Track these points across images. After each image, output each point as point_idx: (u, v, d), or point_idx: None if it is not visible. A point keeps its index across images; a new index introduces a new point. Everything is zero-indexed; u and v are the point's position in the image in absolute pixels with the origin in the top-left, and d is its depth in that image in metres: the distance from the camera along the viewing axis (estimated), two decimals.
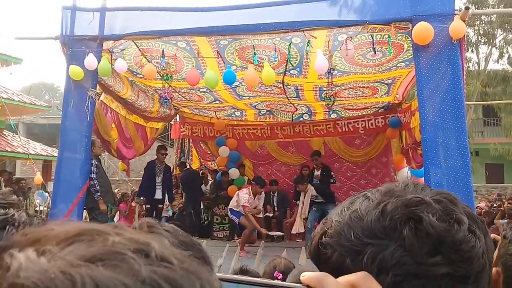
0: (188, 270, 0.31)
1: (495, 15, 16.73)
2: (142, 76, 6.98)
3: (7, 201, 0.64)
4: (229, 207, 8.19)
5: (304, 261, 4.40)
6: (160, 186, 8.46)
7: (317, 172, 8.68)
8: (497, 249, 1.28)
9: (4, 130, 13.73)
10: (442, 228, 0.55)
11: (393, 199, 0.59)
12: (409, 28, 4.96)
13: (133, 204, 10.55)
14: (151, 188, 8.39)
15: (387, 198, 0.59)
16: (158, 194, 8.47)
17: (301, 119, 9.77)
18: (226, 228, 9.54)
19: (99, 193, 6.58)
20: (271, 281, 0.47)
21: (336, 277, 0.49)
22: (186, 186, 9.54)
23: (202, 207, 9.87)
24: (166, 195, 8.70)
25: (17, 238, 0.31)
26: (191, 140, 10.77)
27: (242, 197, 7.96)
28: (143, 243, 0.31)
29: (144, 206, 8.90)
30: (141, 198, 8.71)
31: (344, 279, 0.50)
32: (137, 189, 10.91)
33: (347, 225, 0.59)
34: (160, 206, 8.66)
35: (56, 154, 12.66)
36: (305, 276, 0.48)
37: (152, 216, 8.75)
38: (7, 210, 0.62)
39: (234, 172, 9.64)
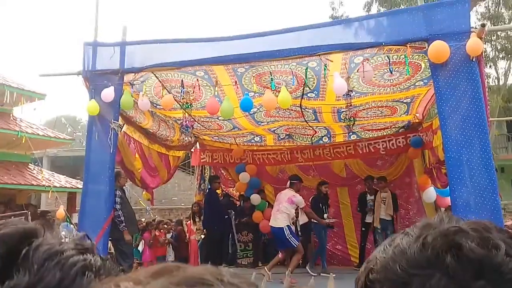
0: None
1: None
2: (162, 107, 7.12)
3: (83, 246, 0.66)
4: (285, 225, 7.33)
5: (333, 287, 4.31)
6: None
7: (370, 197, 8.81)
8: None
9: (30, 164, 14.03)
10: (482, 253, 0.57)
11: (432, 231, 0.62)
12: (425, 47, 4.96)
13: (157, 233, 10.60)
14: (218, 217, 8.66)
15: (425, 231, 0.62)
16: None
17: (320, 142, 9.75)
18: (250, 255, 9.46)
19: (124, 224, 6.64)
20: None
21: None
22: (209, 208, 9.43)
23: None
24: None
25: (104, 282, 0.36)
26: (211, 167, 10.82)
27: (298, 200, 7.53)
28: (216, 272, 0.38)
29: (168, 233, 8.94)
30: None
31: None
32: (161, 218, 10.99)
33: (391, 260, 0.61)
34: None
35: (80, 186, 12.90)
36: None
37: (220, 242, 8.99)
38: (85, 255, 0.64)
39: (255, 198, 9.60)
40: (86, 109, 5.90)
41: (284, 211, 7.42)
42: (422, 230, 0.63)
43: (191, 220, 10.31)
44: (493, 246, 0.59)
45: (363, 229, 8.94)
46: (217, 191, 8.84)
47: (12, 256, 0.61)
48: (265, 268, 7.31)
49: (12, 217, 6.65)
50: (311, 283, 4.36)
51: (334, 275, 7.11)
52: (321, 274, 7.66)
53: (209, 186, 10.67)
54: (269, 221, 8.05)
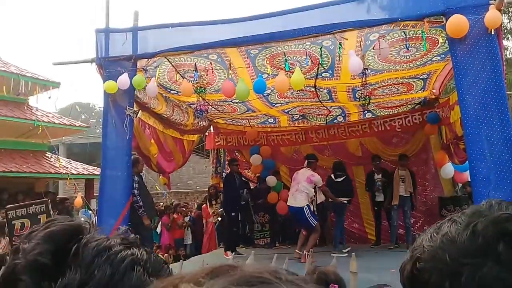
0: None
1: None
2: (176, 92, 7.10)
3: (129, 240, 0.66)
4: (305, 205, 7.33)
5: (355, 268, 4.32)
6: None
7: (378, 176, 8.78)
8: None
9: (47, 152, 14.23)
10: None
11: (482, 218, 0.60)
12: (442, 22, 4.85)
13: (175, 216, 10.74)
14: (236, 198, 8.66)
15: (475, 219, 0.61)
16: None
17: (335, 121, 9.68)
18: (267, 235, 9.54)
19: (143, 209, 6.71)
20: None
21: None
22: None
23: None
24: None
25: (161, 283, 0.36)
26: (226, 150, 10.85)
27: (317, 179, 7.54)
28: (273, 271, 0.38)
29: (186, 216, 9.03)
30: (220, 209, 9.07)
31: None
32: (178, 202, 11.11)
33: (440, 249, 0.61)
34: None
35: (97, 172, 13.08)
36: None
37: (239, 223, 9.06)
38: (132, 249, 0.65)
39: (271, 180, 9.61)
40: (104, 87, 5.89)
41: (303, 190, 7.40)
42: (471, 217, 0.62)
43: (208, 203, 10.42)
44: None
45: (376, 208, 8.95)
46: (236, 173, 8.86)
47: (62, 254, 0.62)
48: (296, 250, 7.32)
49: (33, 205, 6.76)
50: (333, 263, 4.38)
51: (346, 252, 7.35)
52: (343, 250, 7.73)
53: (226, 170, 10.76)
54: (285, 202, 8.12)
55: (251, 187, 9.98)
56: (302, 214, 7.35)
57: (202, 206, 10.92)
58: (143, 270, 0.62)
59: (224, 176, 10.04)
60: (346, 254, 7.10)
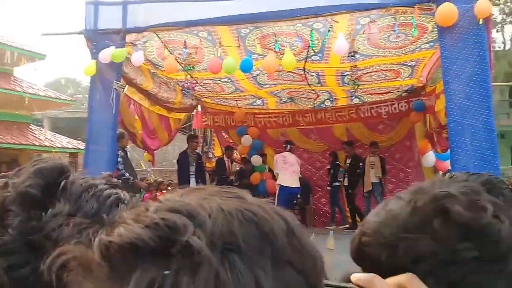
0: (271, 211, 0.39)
1: None
2: (164, 69, 7.05)
3: (112, 183, 0.69)
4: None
5: (332, 245, 4.44)
6: (194, 175, 8.60)
7: (348, 161, 9.16)
8: None
9: (31, 124, 14.06)
10: (468, 216, 0.59)
11: (422, 195, 0.63)
12: (433, 9, 4.87)
13: (158, 194, 10.74)
14: (186, 178, 8.55)
15: (416, 196, 0.63)
16: (193, 183, 8.62)
17: (322, 105, 9.72)
18: None
19: (132, 178, 6.75)
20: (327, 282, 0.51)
21: (375, 272, 0.54)
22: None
23: None
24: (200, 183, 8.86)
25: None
26: (213, 130, 10.85)
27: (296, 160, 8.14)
28: (239, 192, 0.41)
29: None
30: None
31: (392, 280, 0.55)
32: (161, 179, 11.09)
33: (383, 224, 0.64)
34: None
35: (81, 147, 12.98)
36: (356, 277, 0.53)
37: None
38: (116, 189, 0.68)
39: (256, 159, 9.69)
40: (84, 70, 5.85)
41: (298, 173, 8.08)
42: (413, 194, 0.64)
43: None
44: (480, 208, 0.60)
45: (345, 192, 9.30)
46: (196, 151, 8.84)
47: (51, 188, 0.65)
48: None
49: None
50: (330, 235, 4.51)
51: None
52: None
53: (212, 150, 10.79)
54: (271, 180, 8.72)
55: (237, 168, 10.12)
56: (297, 195, 8.01)
57: None
58: (126, 208, 0.65)
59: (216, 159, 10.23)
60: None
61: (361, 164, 8.87)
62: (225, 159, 9.82)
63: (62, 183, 0.65)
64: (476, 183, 1.05)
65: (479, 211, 0.60)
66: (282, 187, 7.91)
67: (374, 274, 0.53)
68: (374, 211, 0.68)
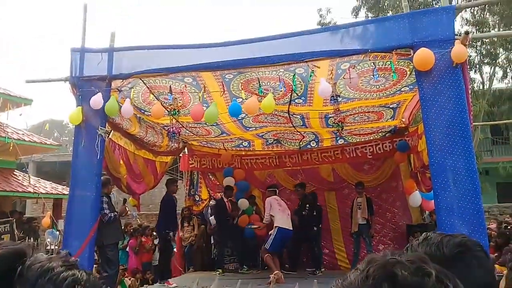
0: None
1: None
2: (150, 113, 7.10)
3: (70, 262, 0.70)
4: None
5: None
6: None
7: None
8: (503, 279, 1.34)
9: (15, 170, 13.88)
10: (414, 280, 0.66)
11: (374, 264, 0.71)
12: (410, 54, 5.04)
13: (143, 239, 10.55)
14: (175, 220, 8.58)
15: (370, 264, 0.71)
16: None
17: (308, 146, 9.81)
18: (236, 260, 9.46)
19: (115, 214, 6.84)
20: None
21: None
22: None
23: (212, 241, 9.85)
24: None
25: None
26: (200, 172, 10.82)
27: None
28: None
29: (156, 239, 8.91)
30: (169, 232, 8.72)
31: None
32: (147, 224, 10.90)
33: None
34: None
35: (66, 192, 12.80)
36: None
37: (172, 248, 8.91)
38: (73, 270, 0.68)
39: (243, 203, 9.62)
40: (69, 118, 5.89)
41: (289, 216, 8.16)
42: (368, 264, 0.72)
43: (180, 225, 10.27)
44: (425, 274, 0.67)
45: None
46: (174, 194, 8.77)
47: (7, 275, 0.64)
48: (278, 271, 7.52)
49: None
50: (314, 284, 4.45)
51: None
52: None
53: (199, 192, 10.71)
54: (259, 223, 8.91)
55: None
56: (290, 237, 8.09)
57: None
58: None
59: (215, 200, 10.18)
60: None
61: (307, 205, 8.93)
62: (225, 200, 9.69)
63: (19, 269, 0.65)
64: (449, 245, 1.11)
65: (424, 276, 0.67)
66: (280, 229, 7.90)
67: None
68: (333, 283, 0.76)
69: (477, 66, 18.10)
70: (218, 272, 8.65)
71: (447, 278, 0.68)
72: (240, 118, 7.40)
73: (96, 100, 5.72)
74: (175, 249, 9.67)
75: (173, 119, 6.95)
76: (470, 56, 16.82)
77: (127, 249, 10.49)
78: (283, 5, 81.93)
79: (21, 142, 12.62)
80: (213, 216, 9.70)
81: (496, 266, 7.09)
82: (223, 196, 9.48)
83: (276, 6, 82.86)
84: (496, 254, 8.56)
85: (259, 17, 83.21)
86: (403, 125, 8.52)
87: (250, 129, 8.39)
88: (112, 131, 6.77)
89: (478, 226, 4.55)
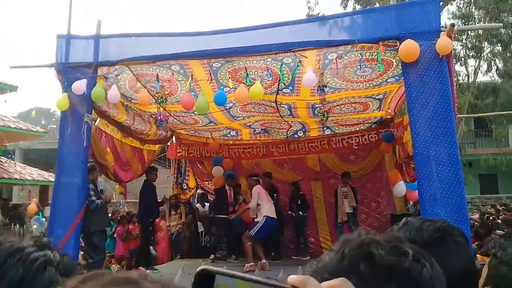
0: None
1: None
2: (137, 101, 7.06)
3: (42, 243, 0.70)
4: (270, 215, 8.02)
5: None
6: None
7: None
8: (486, 266, 1.34)
9: (1, 156, 13.72)
10: (391, 259, 0.65)
11: (350, 243, 0.69)
12: (397, 45, 5.08)
13: (130, 226, 10.55)
14: (155, 208, 8.62)
15: (345, 245, 0.70)
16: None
17: (295, 136, 9.85)
18: (224, 247, 9.52)
19: (101, 201, 6.89)
20: (263, 279, 0.53)
21: None
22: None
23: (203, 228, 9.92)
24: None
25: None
26: (187, 161, 10.81)
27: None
28: (141, 274, 0.42)
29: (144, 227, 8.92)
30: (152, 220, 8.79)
31: (326, 284, 0.58)
32: (135, 212, 10.88)
33: (315, 272, 0.69)
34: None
35: (52, 179, 12.67)
36: (292, 278, 0.56)
37: (152, 235, 8.96)
38: (45, 251, 0.68)
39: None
40: (56, 103, 5.84)
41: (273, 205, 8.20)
42: (342, 244, 0.70)
43: (168, 212, 10.30)
44: (402, 253, 0.67)
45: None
46: (153, 182, 8.81)
47: None
48: (264, 261, 7.61)
49: None
50: (280, 275, 4.47)
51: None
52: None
53: (186, 181, 10.74)
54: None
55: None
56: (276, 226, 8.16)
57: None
58: (55, 270, 0.66)
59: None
60: None
61: (275, 195, 9.07)
62: (227, 188, 9.72)
63: None
64: (429, 230, 1.11)
65: (401, 255, 0.66)
66: (268, 218, 7.94)
67: (309, 276, 0.57)
68: (310, 263, 0.73)
69: (463, 59, 18.27)
70: (211, 258, 8.76)
71: (423, 257, 0.68)
72: (227, 107, 7.41)
73: (78, 86, 5.66)
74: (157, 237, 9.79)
75: (160, 107, 6.93)
76: (456, 49, 16.96)
77: (115, 235, 10.50)
78: (283, 5, 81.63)
79: (7, 129, 12.47)
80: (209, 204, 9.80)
81: (478, 255, 7.24)
82: (225, 184, 9.65)
83: (276, 6, 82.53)
84: (477, 243, 8.74)
85: (259, 17, 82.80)
86: (389, 117, 8.60)
87: (238, 118, 8.40)
88: (99, 118, 6.73)
89: (461, 215, 4.65)
